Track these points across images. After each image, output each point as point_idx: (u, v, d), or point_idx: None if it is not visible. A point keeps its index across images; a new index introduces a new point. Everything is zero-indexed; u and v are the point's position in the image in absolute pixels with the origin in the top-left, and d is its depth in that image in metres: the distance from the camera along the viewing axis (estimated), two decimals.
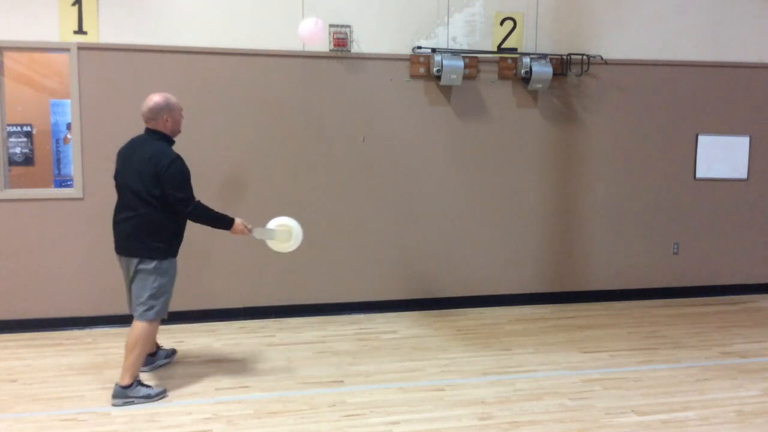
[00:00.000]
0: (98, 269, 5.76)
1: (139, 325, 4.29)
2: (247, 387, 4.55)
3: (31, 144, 6.21)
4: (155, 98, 4.37)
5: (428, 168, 6.34)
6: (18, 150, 6.09)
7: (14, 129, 6.01)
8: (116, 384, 4.27)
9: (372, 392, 4.47)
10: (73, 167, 5.73)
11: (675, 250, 6.92)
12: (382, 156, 6.22)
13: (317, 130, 6.08)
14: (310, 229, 6.14)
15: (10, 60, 5.80)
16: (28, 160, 6.21)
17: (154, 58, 5.72)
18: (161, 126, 4.36)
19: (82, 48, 5.60)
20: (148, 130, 4.41)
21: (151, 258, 4.27)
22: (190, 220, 4.39)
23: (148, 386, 4.36)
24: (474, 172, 6.43)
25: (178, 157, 4.29)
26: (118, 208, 4.37)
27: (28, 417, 4.07)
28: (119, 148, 4.50)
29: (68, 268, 5.73)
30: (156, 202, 4.23)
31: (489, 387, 4.56)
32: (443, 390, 4.51)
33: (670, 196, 6.85)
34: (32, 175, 6.22)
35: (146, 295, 4.29)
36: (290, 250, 4.81)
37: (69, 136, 6.08)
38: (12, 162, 5.88)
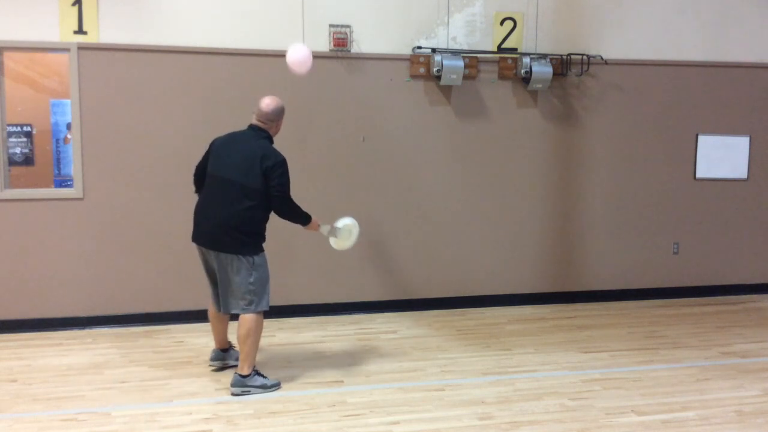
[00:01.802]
0: (98, 269, 5.77)
1: (246, 318, 4.38)
2: (247, 387, 4.54)
3: (31, 144, 6.21)
4: (277, 101, 4.56)
5: (428, 168, 6.34)
6: (18, 150, 6.09)
7: (14, 129, 6.01)
8: (235, 373, 4.41)
9: (372, 392, 4.47)
10: (73, 167, 5.73)
11: (675, 250, 6.92)
12: (382, 156, 6.22)
13: (317, 130, 6.08)
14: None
15: (10, 60, 5.80)
16: (28, 160, 6.21)
17: (154, 58, 5.72)
18: (270, 128, 4.54)
19: (82, 48, 5.60)
20: (256, 128, 4.49)
21: (247, 254, 4.35)
22: (284, 214, 4.53)
23: (264, 377, 4.51)
24: (474, 171, 6.43)
25: (285, 159, 4.45)
26: (207, 198, 4.44)
27: (28, 417, 4.07)
28: (218, 140, 4.54)
29: (68, 268, 5.73)
30: (253, 197, 4.32)
31: (489, 387, 4.56)
32: (443, 390, 4.51)
33: (670, 196, 6.85)
34: (32, 175, 6.22)
35: (245, 290, 4.38)
36: (345, 248, 5.00)
37: (69, 136, 6.08)
38: (12, 162, 5.88)
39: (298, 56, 4.94)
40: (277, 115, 4.54)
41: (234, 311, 4.43)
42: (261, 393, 4.41)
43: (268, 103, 4.51)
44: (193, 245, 4.53)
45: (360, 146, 6.18)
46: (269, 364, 4.97)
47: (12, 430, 3.92)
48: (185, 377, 4.69)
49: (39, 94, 6.41)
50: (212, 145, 4.56)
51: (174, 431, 3.92)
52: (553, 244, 6.67)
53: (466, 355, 5.22)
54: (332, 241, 4.95)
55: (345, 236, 4.90)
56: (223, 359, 4.83)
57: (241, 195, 4.30)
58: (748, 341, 5.60)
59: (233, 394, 4.37)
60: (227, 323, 4.76)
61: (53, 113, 6.44)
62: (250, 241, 4.37)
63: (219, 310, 4.55)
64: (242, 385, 4.39)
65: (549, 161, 6.57)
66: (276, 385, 4.52)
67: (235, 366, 4.61)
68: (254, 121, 4.52)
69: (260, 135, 4.47)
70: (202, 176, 4.54)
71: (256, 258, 4.39)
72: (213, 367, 4.82)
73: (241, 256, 4.32)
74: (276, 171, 4.33)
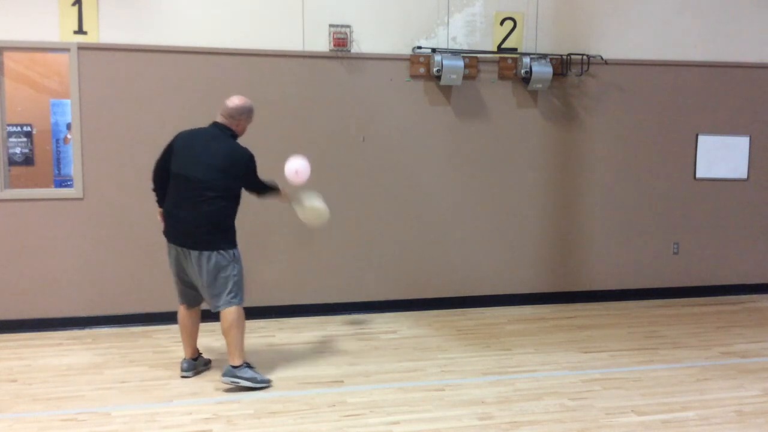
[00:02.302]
0: (98, 269, 5.77)
1: (229, 311, 4.43)
2: (247, 387, 4.55)
3: (31, 144, 6.21)
4: (245, 100, 4.58)
5: (428, 168, 6.34)
6: (18, 150, 6.10)
7: (14, 129, 6.02)
8: (227, 365, 4.46)
9: (372, 392, 4.47)
10: (73, 167, 5.74)
11: (675, 250, 6.92)
12: (382, 156, 6.22)
13: (317, 130, 6.08)
14: (310, 229, 6.15)
15: (10, 60, 5.80)
16: (28, 160, 6.21)
17: (154, 58, 5.72)
18: (234, 125, 4.55)
19: (82, 48, 5.60)
20: (221, 126, 4.51)
21: (224, 249, 4.44)
22: (260, 197, 4.75)
23: (256, 371, 4.53)
24: (474, 171, 6.43)
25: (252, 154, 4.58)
26: (177, 197, 4.42)
27: (28, 417, 4.07)
28: (180, 137, 4.49)
29: (68, 268, 5.73)
30: (225, 194, 4.41)
31: (489, 387, 4.56)
32: (443, 390, 4.50)
33: (670, 196, 6.84)
34: (32, 175, 6.22)
35: (227, 284, 4.44)
36: (309, 221, 5.02)
37: (69, 136, 6.08)
38: (12, 162, 5.88)
39: (296, 168, 4.88)
40: (242, 113, 4.53)
41: (222, 307, 4.45)
42: (250, 385, 4.43)
43: (234, 100, 4.54)
44: (168, 241, 4.53)
45: (360, 146, 6.18)
46: (269, 364, 4.97)
47: (12, 430, 3.92)
48: (185, 377, 4.69)
49: (39, 94, 6.42)
50: (174, 143, 4.48)
51: (174, 431, 3.92)
52: (553, 244, 6.67)
53: (466, 355, 5.22)
54: (299, 210, 4.98)
55: (312, 216, 4.96)
56: (195, 368, 4.74)
57: (215, 193, 4.36)
58: (748, 341, 5.60)
59: (223, 382, 4.43)
60: (199, 323, 4.75)
61: (53, 113, 6.44)
62: (229, 236, 4.49)
63: (191, 307, 4.64)
64: (233, 375, 4.43)
65: (549, 161, 6.57)
66: (266, 382, 4.52)
67: (206, 370, 4.73)
68: (219, 119, 4.53)
69: (226, 133, 4.50)
70: (163, 175, 4.49)
71: (235, 251, 4.50)
72: (186, 377, 4.68)
73: (223, 251, 4.41)
74: (252, 169, 4.53)
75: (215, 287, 4.42)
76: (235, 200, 4.50)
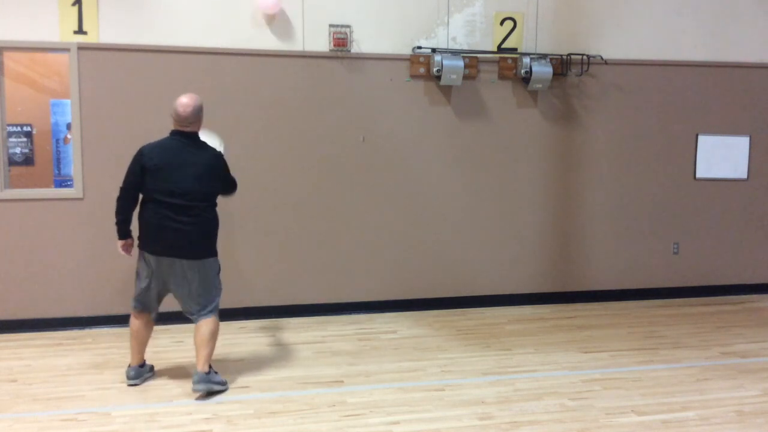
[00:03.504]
0: (98, 269, 5.77)
1: (211, 320, 4.45)
2: (247, 387, 4.55)
3: (31, 144, 6.21)
4: (196, 99, 4.42)
5: (428, 168, 6.34)
6: (18, 150, 6.10)
7: (14, 129, 6.02)
8: (199, 372, 4.36)
9: (372, 392, 4.47)
10: (73, 167, 5.73)
11: (675, 250, 6.92)
12: (382, 156, 6.22)
13: (317, 130, 6.08)
14: (311, 229, 6.16)
15: (10, 60, 5.80)
16: (28, 160, 6.21)
17: (154, 58, 5.72)
18: (195, 127, 4.45)
19: (82, 48, 5.60)
20: (185, 134, 4.39)
21: (215, 255, 4.52)
22: (229, 194, 4.77)
23: (216, 373, 4.53)
24: (474, 172, 6.43)
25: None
26: (165, 212, 4.31)
27: (28, 417, 4.07)
28: (153, 155, 4.35)
29: (68, 268, 5.73)
30: (213, 201, 4.48)
31: (489, 387, 4.56)
32: (443, 390, 4.51)
33: (670, 196, 6.84)
34: (32, 175, 6.22)
35: (215, 291, 4.51)
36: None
37: (69, 136, 6.08)
38: (12, 162, 5.88)
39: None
40: (198, 113, 4.42)
41: (207, 316, 4.44)
42: (221, 389, 4.44)
43: (185, 105, 4.36)
44: (147, 254, 4.44)
45: (360, 146, 6.18)
46: (270, 364, 4.97)
47: (12, 430, 3.92)
48: (185, 377, 4.68)
49: (39, 94, 6.42)
50: (144, 162, 4.35)
51: (174, 431, 3.92)
52: (553, 244, 6.67)
53: (466, 355, 5.22)
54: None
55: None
56: (141, 375, 4.63)
57: (205, 203, 4.40)
58: (748, 341, 5.60)
59: (199, 390, 4.32)
60: (151, 331, 4.70)
61: (53, 113, 6.44)
62: (215, 243, 4.54)
63: (150, 315, 4.61)
64: (207, 381, 4.37)
65: (549, 161, 6.57)
66: (225, 383, 4.52)
67: (151, 377, 4.68)
68: (177, 128, 4.40)
69: (196, 141, 4.44)
70: (136, 196, 4.41)
71: (217, 257, 4.57)
72: (134, 385, 4.57)
73: (212, 258, 4.49)
74: (226, 166, 4.59)
75: (207, 295, 4.45)
76: (216, 206, 4.55)
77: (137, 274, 4.54)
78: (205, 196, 4.39)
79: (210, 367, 4.44)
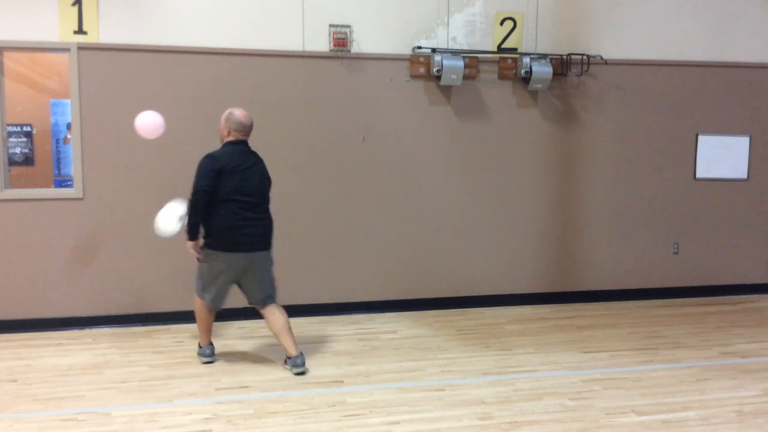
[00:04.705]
0: (98, 269, 5.77)
1: (279, 307, 4.90)
2: (247, 387, 4.55)
3: (31, 144, 6.21)
4: (248, 115, 4.87)
5: (428, 168, 6.34)
6: (18, 150, 6.10)
7: (14, 129, 6.02)
8: (299, 355, 4.77)
9: (372, 392, 4.47)
10: (73, 167, 5.74)
11: (675, 250, 6.92)
12: (382, 156, 6.23)
13: (317, 130, 6.08)
14: (310, 229, 6.16)
15: (10, 60, 5.80)
16: (28, 160, 6.21)
17: (154, 58, 5.72)
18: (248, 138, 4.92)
19: (82, 48, 5.60)
20: (245, 143, 4.87)
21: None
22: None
23: None
24: (474, 172, 6.43)
25: None
26: (246, 212, 4.71)
27: (28, 417, 4.07)
28: (227, 159, 4.67)
29: (68, 268, 5.73)
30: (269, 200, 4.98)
31: (489, 387, 4.56)
32: (443, 390, 4.51)
33: (670, 196, 6.85)
34: (32, 175, 6.23)
35: (274, 279, 4.96)
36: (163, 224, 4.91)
37: (69, 136, 6.08)
38: (12, 162, 5.88)
39: (148, 123, 4.99)
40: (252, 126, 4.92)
41: (276, 301, 4.90)
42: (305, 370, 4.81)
43: (247, 116, 4.84)
44: (230, 255, 4.71)
45: (360, 146, 6.18)
46: (270, 364, 4.98)
47: (12, 430, 3.92)
48: (185, 377, 4.69)
49: (39, 94, 6.42)
50: (222, 166, 4.65)
51: (174, 431, 3.92)
52: (553, 244, 6.67)
53: (466, 355, 5.22)
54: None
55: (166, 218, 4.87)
56: (214, 352, 5.08)
57: (266, 201, 4.90)
58: (748, 341, 5.60)
59: (305, 372, 4.76)
60: None
61: (53, 113, 6.45)
62: None
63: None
64: (305, 361, 4.82)
65: (549, 161, 6.57)
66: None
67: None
68: (238, 137, 4.81)
69: (251, 151, 4.87)
70: (213, 194, 4.64)
71: None
72: (211, 362, 5.00)
73: (271, 250, 4.94)
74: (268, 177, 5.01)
75: (273, 282, 4.92)
76: None
77: (210, 275, 4.78)
78: (266, 195, 4.88)
79: None
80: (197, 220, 4.67)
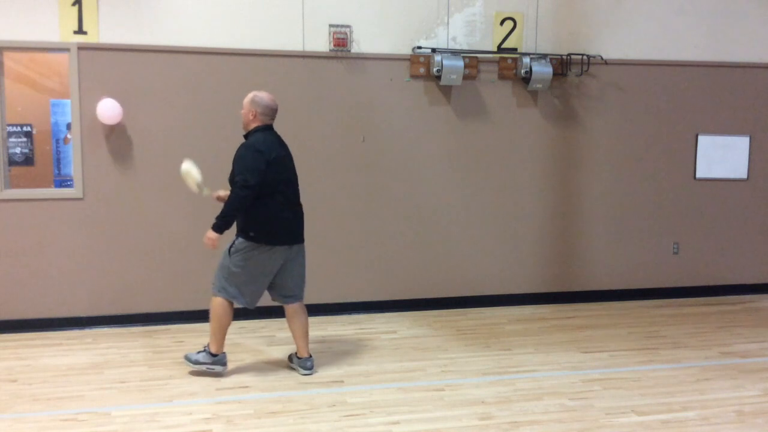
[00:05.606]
0: (98, 269, 5.77)
1: (305, 309, 4.83)
2: (247, 387, 4.55)
3: (31, 144, 6.20)
4: (274, 97, 4.66)
5: (428, 168, 6.34)
6: (18, 150, 6.09)
7: (14, 129, 6.01)
8: (309, 358, 4.79)
9: (372, 392, 4.47)
10: (73, 167, 5.73)
11: (675, 250, 6.92)
12: (382, 156, 6.22)
13: (317, 130, 6.08)
14: (310, 229, 6.14)
15: (10, 60, 5.80)
16: (28, 160, 6.20)
17: (154, 58, 5.72)
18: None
19: (82, 48, 5.60)
20: (273, 129, 4.66)
21: None
22: None
23: None
24: (474, 172, 6.43)
25: None
26: (290, 202, 4.62)
27: (28, 417, 4.07)
28: (271, 149, 4.49)
29: (68, 268, 5.73)
30: None
31: (489, 387, 4.56)
32: (443, 390, 4.51)
33: (670, 196, 6.84)
34: (32, 175, 6.22)
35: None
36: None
37: (69, 136, 6.08)
38: (12, 162, 5.88)
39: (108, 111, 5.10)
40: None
41: (302, 298, 4.80)
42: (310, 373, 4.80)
43: (274, 98, 4.64)
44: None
45: (360, 146, 6.18)
46: (270, 364, 4.97)
47: (12, 430, 3.92)
48: (185, 377, 4.69)
49: (39, 94, 6.41)
50: (270, 155, 4.44)
51: (174, 431, 3.92)
52: (553, 244, 6.67)
53: (466, 355, 5.22)
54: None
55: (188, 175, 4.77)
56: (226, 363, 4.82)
57: (297, 193, 4.77)
58: (748, 341, 5.60)
59: (312, 374, 4.73)
60: None
61: (53, 113, 6.44)
62: None
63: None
64: (314, 363, 4.80)
65: (549, 161, 6.57)
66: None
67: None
68: (266, 122, 4.61)
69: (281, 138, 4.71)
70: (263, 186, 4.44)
71: None
72: (223, 373, 4.71)
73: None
74: None
75: (301, 277, 4.79)
76: None
77: (248, 272, 4.55)
78: (297, 184, 4.72)
79: None
80: (238, 213, 4.44)
